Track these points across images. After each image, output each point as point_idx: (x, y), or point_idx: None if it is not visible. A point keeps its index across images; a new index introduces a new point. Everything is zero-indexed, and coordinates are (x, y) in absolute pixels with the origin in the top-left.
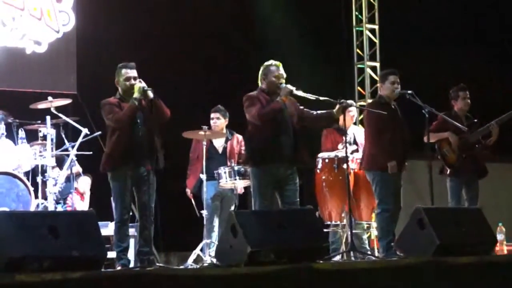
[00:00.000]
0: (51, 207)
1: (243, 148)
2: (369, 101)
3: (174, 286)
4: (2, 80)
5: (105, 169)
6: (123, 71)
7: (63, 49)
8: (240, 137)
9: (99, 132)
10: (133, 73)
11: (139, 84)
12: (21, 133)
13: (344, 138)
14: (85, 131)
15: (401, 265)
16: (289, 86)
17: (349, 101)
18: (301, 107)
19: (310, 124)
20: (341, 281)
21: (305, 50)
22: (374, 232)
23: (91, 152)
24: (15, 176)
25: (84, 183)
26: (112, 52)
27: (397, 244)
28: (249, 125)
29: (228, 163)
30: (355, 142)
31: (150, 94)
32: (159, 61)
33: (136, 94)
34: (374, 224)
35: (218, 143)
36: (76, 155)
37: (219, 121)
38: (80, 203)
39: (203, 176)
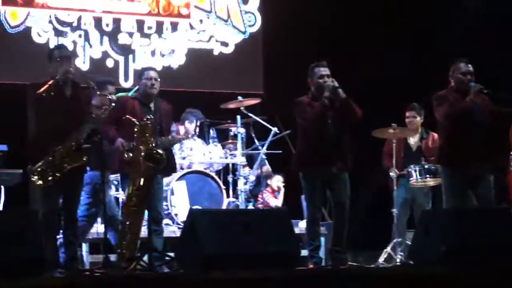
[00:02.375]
0: (242, 206)
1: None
2: None
3: (369, 285)
4: (192, 81)
5: (297, 168)
6: (316, 69)
7: (249, 50)
8: (436, 136)
9: (288, 131)
10: (326, 71)
11: (330, 82)
12: (212, 133)
13: None
14: (274, 130)
15: None
16: (478, 84)
17: None
18: (493, 104)
19: (503, 120)
20: None
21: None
22: None
23: (280, 151)
24: (207, 175)
25: (277, 181)
26: (298, 52)
27: None
28: (439, 124)
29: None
30: None
31: (341, 93)
32: (345, 60)
33: (326, 93)
34: None
35: (413, 141)
36: (266, 154)
37: (415, 119)
38: (273, 200)
39: (392, 174)
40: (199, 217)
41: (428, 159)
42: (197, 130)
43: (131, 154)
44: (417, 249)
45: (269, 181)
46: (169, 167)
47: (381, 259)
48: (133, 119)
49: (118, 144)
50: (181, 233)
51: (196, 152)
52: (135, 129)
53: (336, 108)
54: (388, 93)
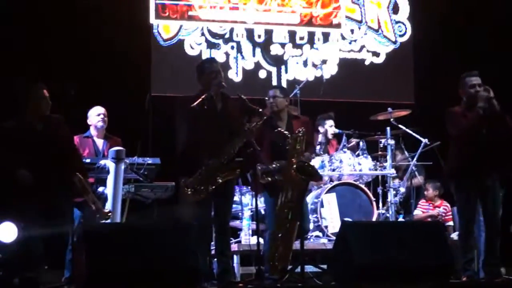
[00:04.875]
0: (392, 218)
1: None
2: None
3: None
4: (343, 91)
5: (449, 180)
6: (467, 79)
7: (400, 60)
8: None
9: (438, 142)
10: (477, 80)
11: (484, 92)
12: (362, 145)
13: None
14: (424, 141)
15: None
16: None
17: None
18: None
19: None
20: None
21: None
22: None
23: (431, 163)
24: (357, 187)
25: (432, 192)
26: (449, 61)
27: None
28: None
29: None
30: None
31: (496, 104)
32: (497, 69)
33: (480, 103)
34: None
35: None
36: (416, 166)
37: None
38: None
39: None
40: (351, 229)
41: None
42: (345, 142)
43: (269, 178)
44: None
45: (426, 191)
46: None
47: None
48: (285, 132)
49: (257, 170)
50: (333, 245)
51: (345, 164)
52: (288, 142)
53: (491, 119)
54: None
